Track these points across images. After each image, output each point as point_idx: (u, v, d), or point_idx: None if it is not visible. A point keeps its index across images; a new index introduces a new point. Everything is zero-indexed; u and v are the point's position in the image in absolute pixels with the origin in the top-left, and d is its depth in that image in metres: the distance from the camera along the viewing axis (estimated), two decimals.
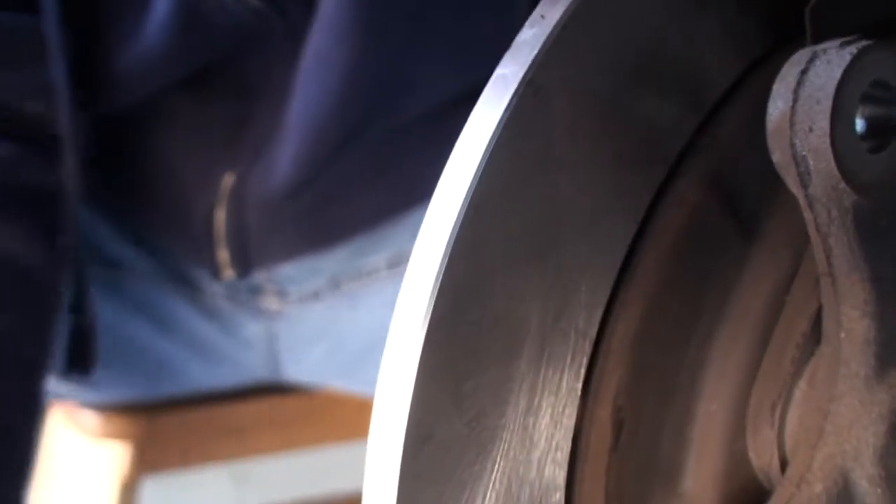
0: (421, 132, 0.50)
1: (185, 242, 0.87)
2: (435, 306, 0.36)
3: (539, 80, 0.36)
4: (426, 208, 0.38)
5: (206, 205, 0.82)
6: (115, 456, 0.94)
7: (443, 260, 0.35)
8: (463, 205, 0.35)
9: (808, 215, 0.39)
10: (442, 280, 0.35)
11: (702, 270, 0.42)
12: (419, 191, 0.44)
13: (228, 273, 0.87)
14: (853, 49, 0.37)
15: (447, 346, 0.36)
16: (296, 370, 0.90)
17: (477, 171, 0.35)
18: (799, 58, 0.38)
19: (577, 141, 0.37)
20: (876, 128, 0.39)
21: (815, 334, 0.40)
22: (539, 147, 0.36)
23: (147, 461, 1.07)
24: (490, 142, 0.35)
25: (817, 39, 0.39)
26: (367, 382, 0.44)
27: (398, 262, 0.41)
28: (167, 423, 1.04)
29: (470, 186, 0.35)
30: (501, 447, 0.38)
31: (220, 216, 0.81)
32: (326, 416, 0.53)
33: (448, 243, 0.35)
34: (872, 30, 0.42)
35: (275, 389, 0.87)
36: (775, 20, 0.41)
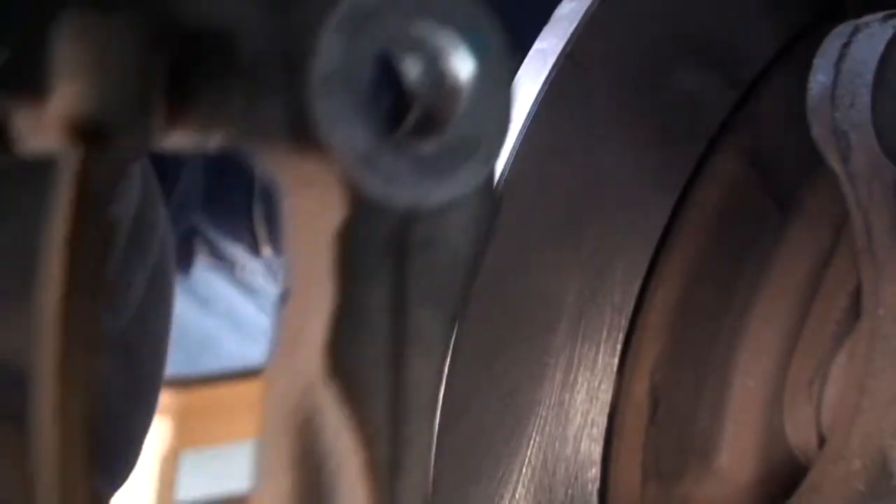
0: None
1: (224, 218, 0.87)
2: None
3: (578, 55, 0.36)
4: None
5: (244, 181, 0.82)
6: (155, 431, 0.95)
7: None
8: (498, 181, 0.34)
9: (848, 190, 0.39)
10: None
11: (739, 246, 0.42)
12: None
13: (266, 250, 0.86)
14: None
15: (483, 321, 0.35)
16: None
17: (513, 147, 0.34)
18: (841, 31, 0.38)
19: (616, 116, 0.36)
20: None
21: (854, 310, 0.39)
22: (577, 122, 0.36)
23: (186, 436, 1.07)
24: (528, 117, 0.34)
25: (859, 13, 0.38)
26: None
27: None
28: (207, 399, 1.05)
29: (506, 163, 0.34)
30: (537, 423, 0.37)
31: (258, 192, 0.81)
32: None
33: None
34: None
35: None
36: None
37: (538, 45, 0.35)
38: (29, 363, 0.28)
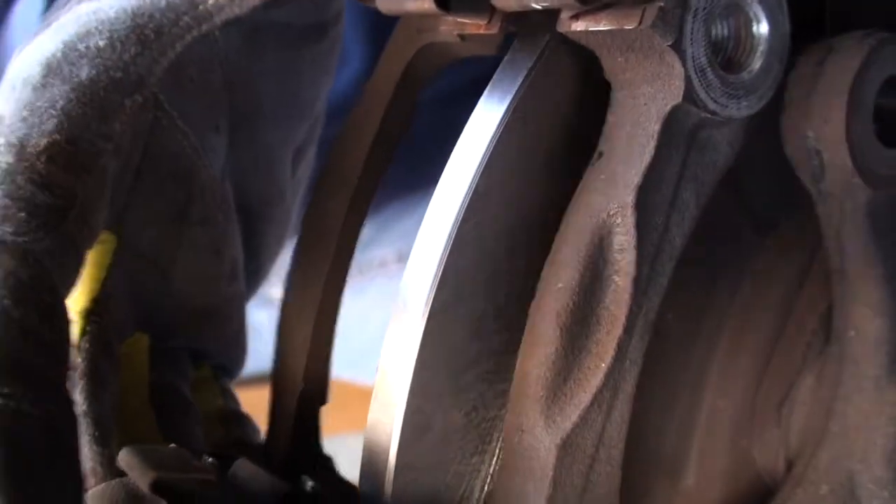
0: (428, 119, 0.49)
1: None
2: (435, 297, 0.36)
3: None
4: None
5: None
6: None
7: (444, 251, 0.34)
8: (466, 195, 0.35)
9: (821, 210, 0.40)
10: (444, 269, 0.32)
11: (713, 265, 0.43)
12: (426, 176, 0.43)
13: None
14: (871, 41, 0.39)
15: (447, 336, 0.34)
16: None
17: (481, 161, 0.32)
18: (816, 49, 0.39)
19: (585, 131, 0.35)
20: (891, 123, 0.39)
21: (823, 333, 0.40)
22: (544, 140, 0.34)
23: None
24: (494, 133, 0.35)
25: (837, 31, 0.40)
26: (374, 374, 0.43)
27: (408, 256, 0.40)
28: None
29: (473, 177, 0.35)
30: (501, 438, 0.35)
31: None
32: (334, 407, 0.51)
33: (450, 235, 0.33)
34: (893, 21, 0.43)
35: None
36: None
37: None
38: None
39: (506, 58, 0.37)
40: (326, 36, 0.49)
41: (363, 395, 0.44)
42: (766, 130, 0.39)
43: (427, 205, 0.38)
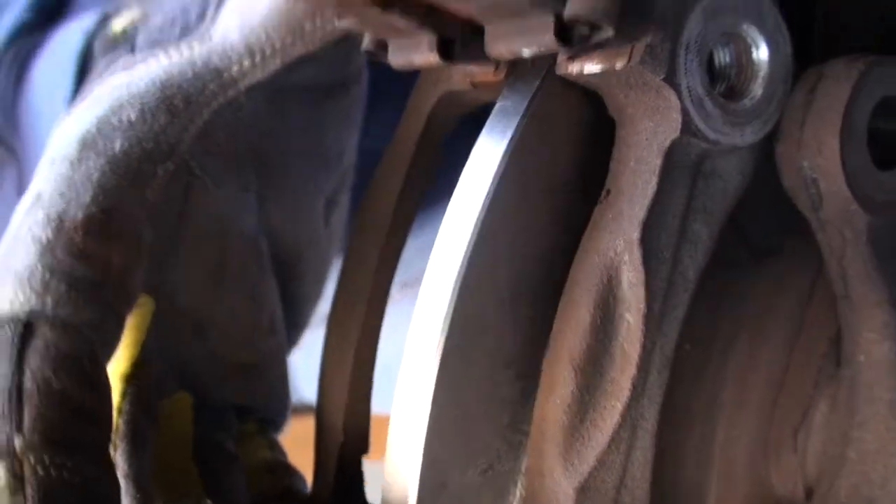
0: None
1: None
2: (444, 350, 0.35)
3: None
4: (433, 224, 0.36)
5: None
6: None
7: (451, 300, 0.35)
8: (470, 242, 0.35)
9: (821, 238, 0.40)
10: (452, 320, 0.33)
11: (715, 295, 0.41)
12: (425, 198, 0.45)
13: None
14: (861, 66, 0.38)
15: (460, 391, 0.36)
16: (311, 392, 0.88)
17: (483, 205, 0.33)
18: (806, 78, 0.39)
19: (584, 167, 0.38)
20: (887, 146, 0.39)
21: (834, 356, 0.41)
22: (547, 179, 0.34)
23: None
24: (496, 175, 0.35)
25: (823, 55, 0.40)
26: (377, 404, 0.43)
27: (410, 284, 0.41)
28: None
29: (477, 222, 0.35)
30: (518, 492, 0.35)
31: None
32: None
33: (456, 283, 0.35)
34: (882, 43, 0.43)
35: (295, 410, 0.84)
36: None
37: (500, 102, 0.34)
38: None
39: (500, 99, 0.37)
40: (349, 93, 0.50)
41: (375, 424, 0.45)
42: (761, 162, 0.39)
43: (425, 230, 0.38)
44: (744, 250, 0.43)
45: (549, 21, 0.31)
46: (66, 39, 0.62)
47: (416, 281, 0.37)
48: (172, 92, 0.43)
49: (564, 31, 0.32)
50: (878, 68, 0.37)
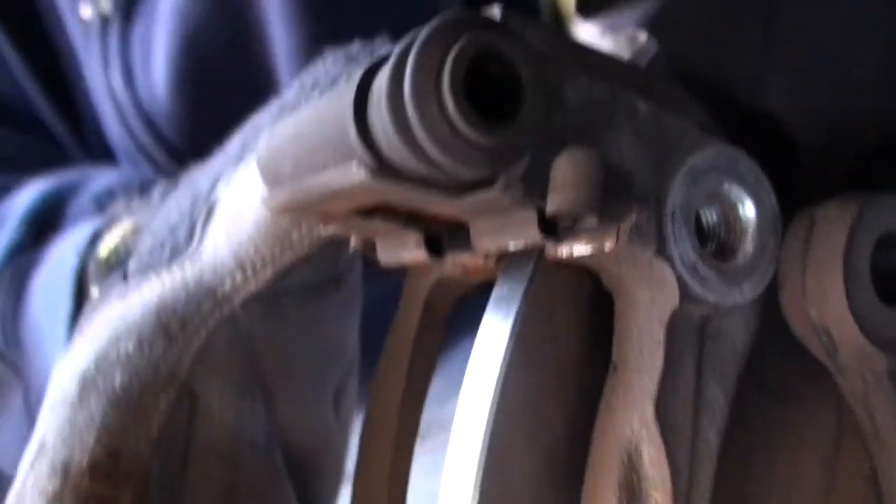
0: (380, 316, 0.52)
1: None
2: None
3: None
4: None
5: None
6: None
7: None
8: (484, 442, 0.34)
9: (841, 382, 0.39)
10: None
11: (740, 453, 0.40)
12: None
13: None
14: (854, 207, 0.38)
15: None
16: None
17: (493, 398, 0.34)
18: (799, 224, 0.38)
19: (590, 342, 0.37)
20: (891, 281, 0.38)
21: (875, 496, 0.37)
22: (551, 357, 0.34)
23: None
24: (503, 365, 0.34)
25: (811, 198, 0.39)
26: None
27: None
28: None
29: (489, 415, 0.34)
30: None
31: None
32: None
33: (474, 487, 0.33)
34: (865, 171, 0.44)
35: None
36: None
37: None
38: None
39: (496, 286, 0.36)
40: (345, 283, 0.50)
41: None
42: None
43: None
44: (760, 395, 0.42)
45: (532, 216, 0.31)
46: (61, 258, 0.62)
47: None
48: (168, 317, 0.43)
49: (548, 225, 0.32)
50: (870, 208, 0.37)
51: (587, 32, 0.42)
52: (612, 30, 0.42)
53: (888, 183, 0.43)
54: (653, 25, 0.39)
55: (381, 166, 0.29)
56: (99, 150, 0.99)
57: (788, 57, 0.40)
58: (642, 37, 0.39)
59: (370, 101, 0.29)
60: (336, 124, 0.30)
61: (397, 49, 0.28)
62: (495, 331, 0.35)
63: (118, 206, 0.56)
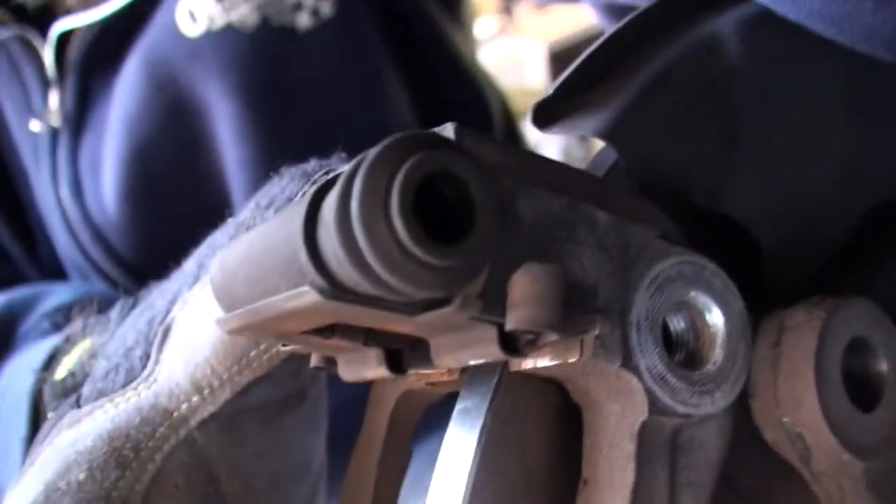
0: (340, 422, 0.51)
1: None
2: None
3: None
4: None
5: None
6: None
7: None
8: None
9: (817, 489, 0.38)
10: None
11: None
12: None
13: None
14: (821, 313, 0.37)
15: None
16: None
17: None
18: (768, 329, 0.38)
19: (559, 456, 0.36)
20: (862, 386, 0.38)
21: None
22: (517, 472, 0.35)
23: None
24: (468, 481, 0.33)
25: (777, 299, 0.39)
26: None
27: None
28: None
29: None
30: None
31: None
32: None
33: None
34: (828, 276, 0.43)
35: None
36: None
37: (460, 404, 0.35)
38: None
39: (459, 400, 0.35)
40: (308, 397, 0.48)
41: None
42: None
43: None
44: (733, 501, 0.41)
45: (492, 333, 0.30)
46: (17, 377, 0.61)
47: None
48: (121, 443, 0.41)
49: (509, 341, 0.31)
50: (839, 313, 0.37)
51: (540, 137, 0.42)
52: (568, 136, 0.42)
53: (852, 286, 0.43)
54: (611, 135, 0.38)
55: (334, 288, 0.28)
56: (52, 268, 0.99)
57: (749, 165, 0.40)
58: (599, 144, 0.39)
59: (319, 223, 0.28)
60: (287, 246, 0.29)
61: (346, 170, 0.27)
62: (460, 446, 0.34)
63: (76, 324, 0.55)
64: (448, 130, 0.31)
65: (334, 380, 0.51)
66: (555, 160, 0.34)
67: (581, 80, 0.41)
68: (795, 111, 0.42)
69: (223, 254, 0.34)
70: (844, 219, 0.44)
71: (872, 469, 0.36)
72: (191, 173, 0.90)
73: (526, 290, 0.29)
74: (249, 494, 0.47)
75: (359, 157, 0.28)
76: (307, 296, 0.29)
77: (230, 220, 0.46)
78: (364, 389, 0.43)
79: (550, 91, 0.40)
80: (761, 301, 0.40)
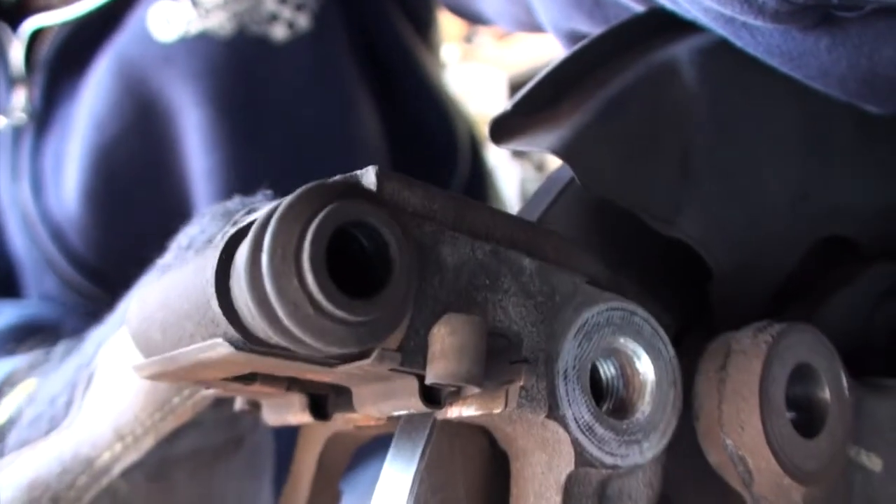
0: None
1: None
2: None
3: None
4: None
5: None
6: None
7: None
8: None
9: None
10: None
11: None
12: None
13: None
14: (767, 337, 0.37)
15: None
16: None
17: None
18: (715, 352, 0.37)
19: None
20: (805, 412, 0.38)
21: None
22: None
23: None
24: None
25: (723, 319, 0.39)
26: None
27: None
28: None
29: None
30: None
31: None
32: None
33: None
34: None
35: None
36: (675, 309, 0.41)
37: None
38: None
39: (391, 447, 0.34)
40: (243, 445, 0.47)
41: None
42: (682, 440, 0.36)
43: None
44: None
45: (413, 384, 0.29)
46: None
47: None
48: (39, 493, 0.40)
49: (430, 393, 0.30)
50: (785, 338, 0.36)
51: (499, 162, 0.41)
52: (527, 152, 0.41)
53: (799, 314, 0.42)
54: (567, 152, 0.37)
55: (247, 340, 0.27)
56: (3, 268, 0.97)
57: (702, 192, 0.40)
58: (555, 163, 0.39)
59: (232, 273, 0.27)
60: (200, 295, 0.28)
61: (258, 219, 0.26)
62: (391, 494, 0.33)
63: (22, 361, 0.54)
64: (369, 175, 0.30)
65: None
66: (483, 203, 0.33)
67: (539, 98, 0.41)
68: (748, 142, 0.42)
69: (140, 297, 0.33)
70: (794, 249, 0.44)
71: (812, 494, 0.36)
72: (155, 177, 0.89)
73: (446, 342, 0.28)
74: None
75: (272, 205, 0.26)
76: (220, 348, 0.27)
77: (157, 263, 0.45)
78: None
79: (509, 107, 0.40)
80: (709, 324, 0.39)
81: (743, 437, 0.35)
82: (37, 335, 0.58)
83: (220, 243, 0.28)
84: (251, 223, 0.27)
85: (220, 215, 0.42)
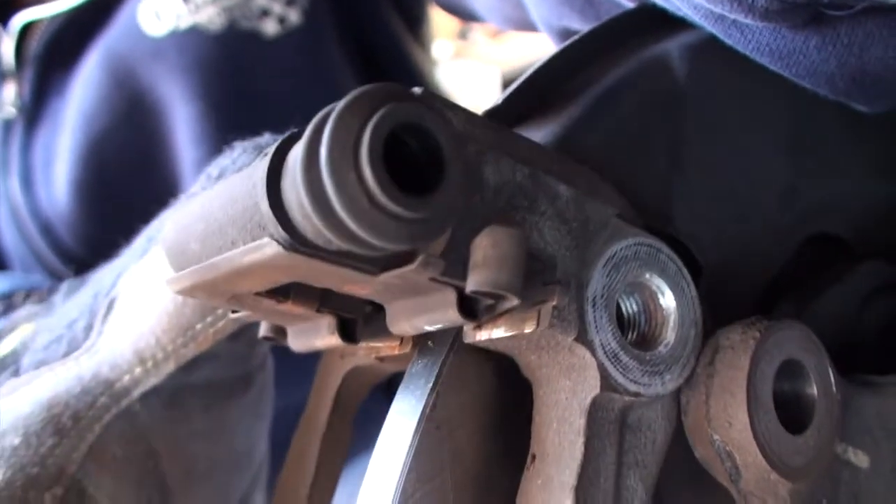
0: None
1: None
2: None
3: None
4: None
5: None
6: None
7: None
8: None
9: None
10: None
11: None
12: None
13: None
14: (755, 333, 0.37)
15: None
16: None
17: (398, 485, 0.32)
18: (704, 347, 0.37)
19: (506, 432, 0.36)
20: (793, 408, 0.38)
21: None
22: (462, 446, 0.34)
23: None
24: (409, 451, 0.33)
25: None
26: None
27: None
28: None
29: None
30: None
31: None
32: None
33: None
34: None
35: None
36: None
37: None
38: None
39: (408, 371, 0.34)
40: (253, 384, 0.47)
41: None
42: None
43: None
44: None
45: (451, 296, 0.30)
46: None
47: None
48: (59, 410, 0.40)
49: (468, 305, 0.30)
50: (773, 335, 0.37)
51: None
52: None
53: (787, 311, 0.43)
54: (558, 146, 0.38)
55: (295, 241, 0.27)
56: None
57: (692, 188, 0.41)
58: None
59: (284, 173, 0.27)
60: (247, 199, 0.28)
61: (315, 119, 0.26)
62: (404, 417, 0.33)
63: (20, 312, 0.54)
64: (416, 89, 0.30)
65: (277, 386, 0.50)
66: (516, 132, 0.34)
67: (530, 92, 0.41)
68: (737, 139, 0.43)
69: (176, 212, 0.33)
70: (783, 245, 0.44)
71: (799, 490, 0.36)
72: (145, 171, 0.89)
73: (488, 252, 0.29)
74: (188, 475, 0.45)
75: (327, 109, 0.27)
76: (267, 248, 0.28)
77: (182, 196, 0.45)
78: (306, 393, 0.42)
79: (500, 101, 0.40)
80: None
81: (730, 432, 0.36)
82: (31, 297, 0.58)
83: (269, 150, 0.28)
84: (296, 136, 0.27)
85: (251, 148, 0.42)
